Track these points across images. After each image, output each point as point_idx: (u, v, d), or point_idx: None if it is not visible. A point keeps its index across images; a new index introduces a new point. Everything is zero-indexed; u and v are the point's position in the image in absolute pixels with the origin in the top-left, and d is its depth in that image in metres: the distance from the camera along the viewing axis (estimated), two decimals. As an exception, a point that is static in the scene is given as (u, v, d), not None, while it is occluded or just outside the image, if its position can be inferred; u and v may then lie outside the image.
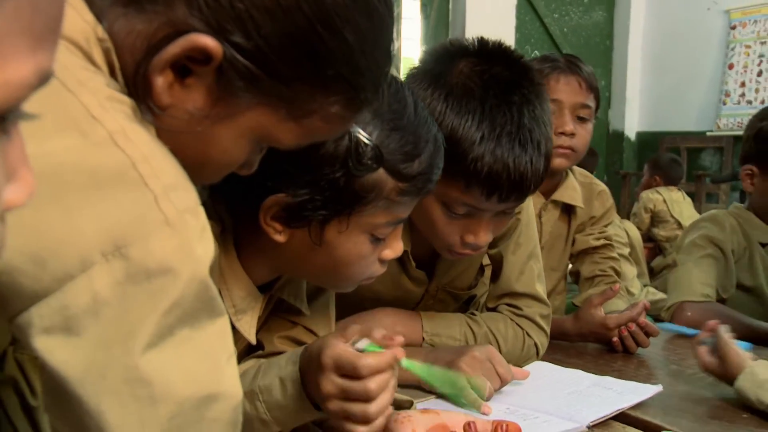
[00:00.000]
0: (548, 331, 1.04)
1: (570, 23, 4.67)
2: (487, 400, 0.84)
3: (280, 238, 0.65)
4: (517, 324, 1.00)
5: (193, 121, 0.46)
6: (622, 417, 0.84)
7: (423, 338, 0.97)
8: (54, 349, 0.38)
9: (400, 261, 0.96)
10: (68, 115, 0.39)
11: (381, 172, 0.64)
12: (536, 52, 4.24)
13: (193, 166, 0.44)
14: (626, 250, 2.15)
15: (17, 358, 0.54)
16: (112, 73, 0.45)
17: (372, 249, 0.68)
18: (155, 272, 0.39)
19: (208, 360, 0.42)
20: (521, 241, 1.02)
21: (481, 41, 0.88)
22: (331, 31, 0.45)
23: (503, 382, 0.87)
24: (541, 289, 1.04)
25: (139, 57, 0.44)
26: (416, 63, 0.91)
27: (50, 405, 0.42)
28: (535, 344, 1.01)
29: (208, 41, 0.43)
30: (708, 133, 4.54)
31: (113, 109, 0.41)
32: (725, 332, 0.91)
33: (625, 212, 3.86)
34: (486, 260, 1.08)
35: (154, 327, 0.39)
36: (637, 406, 0.86)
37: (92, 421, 0.39)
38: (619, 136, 4.93)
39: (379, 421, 0.62)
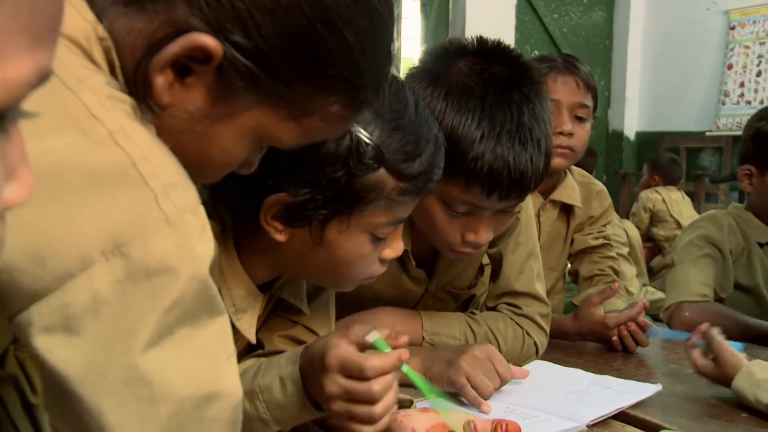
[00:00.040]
0: (548, 330, 1.04)
1: (569, 23, 4.68)
2: (487, 399, 0.84)
3: (280, 237, 0.65)
4: (516, 323, 1.00)
5: (193, 120, 0.46)
6: (621, 416, 0.84)
7: (423, 337, 0.97)
8: (54, 348, 0.38)
9: (400, 260, 0.96)
10: (68, 114, 0.39)
11: (382, 172, 0.64)
12: (536, 51, 4.24)
13: (193, 165, 0.44)
14: (625, 250, 2.15)
15: (18, 356, 0.54)
16: (112, 72, 0.45)
17: (372, 248, 0.68)
18: (155, 271, 0.39)
19: (208, 359, 0.43)
20: (521, 241, 1.02)
21: (480, 40, 0.88)
22: (332, 31, 0.45)
23: (503, 381, 0.87)
24: (540, 288, 1.04)
25: (139, 56, 0.44)
26: (416, 63, 0.91)
27: (50, 404, 0.42)
28: (535, 343, 1.02)
29: (208, 41, 0.43)
30: (707, 133, 4.55)
31: (113, 107, 0.41)
32: (717, 334, 0.91)
33: (624, 212, 3.86)
34: (486, 259, 1.08)
35: (154, 326, 0.39)
36: (637, 405, 0.86)
37: (92, 420, 0.39)
38: (619, 135, 4.93)
39: (384, 421, 0.62)
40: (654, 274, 3.17)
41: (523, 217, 1.02)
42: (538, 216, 1.34)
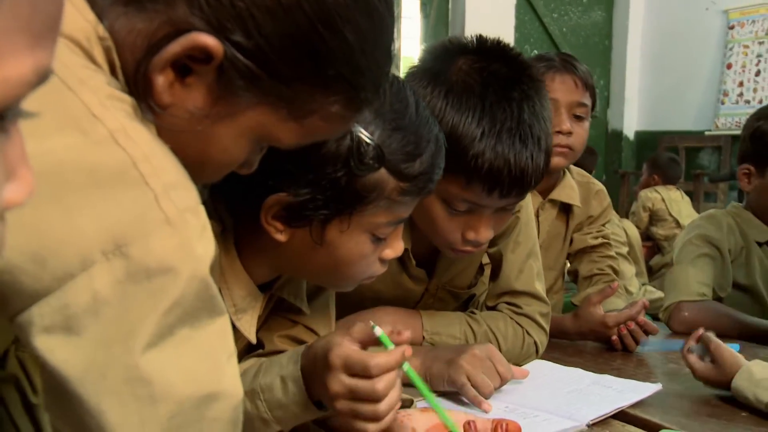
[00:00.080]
0: (548, 329, 1.04)
1: (569, 23, 4.68)
2: (487, 398, 0.84)
3: (281, 237, 0.65)
4: (516, 322, 1.00)
5: (193, 120, 0.46)
6: (621, 415, 0.84)
7: (423, 337, 0.97)
8: (54, 349, 0.38)
9: (401, 260, 0.96)
10: (69, 114, 0.39)
11: (382, 172, 0.64)
12: (535, 51, 4.24)
13: (193, 165, 0.44)
14: (624, 249, 2.15)
15: (19, 356, 0.54)
16: (112, 71, 0.44)
17: (373, 248, 0.68)
18: (156, 271, 0.39)
19: (209, 359, 0.42)
20: (520, 240, 1.02)
21: (480, 39, 0.88)
22: (332, 30, 0.45)
23: (503, 381, 0.87)
24: (540, 288, 1.04)
25: (139, 56, 0.44)
26: (416, 62, 0.91)
27: (50, 404, 0.42)
28: (535, 342, 1.02)
29: (208, 40, 0.43)
30: (706, 133, 4.55)
31: (114, 107, 0.41)
32: (714, 336, 0.91)
33: (623, 211, 3.87)
34: (485, 259, 1.08)
35: (154, 326, 0.39)
36: (637, 405, 0.86)
37: (92, 420, 0.39)
38: (618, 135, 4.93)
39: (388, 418, 0.62)
40: (653, 273, 3.17)
41: (522, 217, 1.02)
42: (537, 215, 1.34)
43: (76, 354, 0.38)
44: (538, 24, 4.53)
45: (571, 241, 1.42)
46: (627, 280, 2.22)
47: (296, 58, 0.46)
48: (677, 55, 4.64)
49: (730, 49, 4.45)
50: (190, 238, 0.41)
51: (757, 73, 4.33)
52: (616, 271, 1.40)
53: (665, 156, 3.88)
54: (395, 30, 0.53)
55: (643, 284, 2.75)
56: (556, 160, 1.28)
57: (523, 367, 0.97)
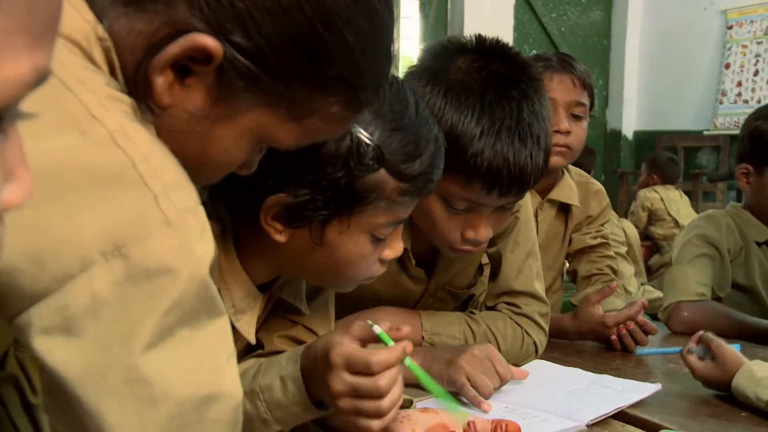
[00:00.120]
0: (547, 329, 1.04)
1: (568, 23, 4.68)
2: (487, 398, 0.84)
3: (280, 238, 0.65)
4: (516, 322, 1.00)
5: (193, 120, 0.46)
6: (621, 415, 0.84)
7: (422, 337, 0.97)
8: (53, 350, 0.38)
9: (400, 260, 0.96)
10: (68, 114, 0.39)
11: (382, 173, 0.64)
12: (534, 51, 4.24)
13: (193, 165, 0.44)
14: (623, 249, 2.15)
15: (18, 356, 0.54)
16: (112, 72, 0.44)
17: (372, 249, 0.68)
18: (155, 272, 0.39)
19: (208, 360, 0.42)
20: (520, 240, 1.02)
21: (479, 38, 0.88)
22: (332, 31, 0.45)
23: (503, 381, 0.87)
24: (539, 288, 1.04)
25: (139, 56, 0.44)
26: (415, 61, 0.91)
27: (50, 405, 0.41)
28: (534, 343, 1.02)
29: (208, 41, 0.43)
30: (705, 132, 4.56)
31: (113, 108, 0.41)
32: (714, 336, 0.91)
33: (622, 211, 3.87)
34: (485, 259, 1.08)
35: (154, 327, 0.39)
36: (636, 405, 0.86)
37: (92, 421, 0.39)
38: (617, 135, 4.94)
39: (391, 415, 0.62)
40: (652, 273, 3.17)
41: (522, 217, 1.02)
42: (535, 215, 1.34)
43: (76, 355, 0.38)
44: (536, 24, 4.53)
45: (570, 241, 1.42)
46: (626, 280, 2.22)
47: (296, 58, 0.46)
48: (676, 54, 4.64)
49: (729, 49, 4.45)
50: (190, 238, 0.40)
51: (756, 73, 4.33)
52: (614, 271, 1.40)
53: (664, 156, 3.89)
54: (395, 31, 0.53)
55: (642, 284, 2.75)
56: (555, 160, 1.28)
57: (522, 367, 0.97)
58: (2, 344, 0.53)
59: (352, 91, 0.50)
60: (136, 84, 0.44)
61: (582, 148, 1.35)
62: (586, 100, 1.32)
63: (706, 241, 1.36)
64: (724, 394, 0.90)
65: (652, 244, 3.40)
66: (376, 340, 0.64)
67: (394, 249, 0.71)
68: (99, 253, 0.38)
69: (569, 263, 1.45)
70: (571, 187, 1.38)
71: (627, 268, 2.35)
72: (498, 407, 0.83)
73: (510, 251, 1.02)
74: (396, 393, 0.62)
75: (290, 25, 0.44)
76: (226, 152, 0.50)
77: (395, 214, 0.67)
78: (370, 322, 0.64)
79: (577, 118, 1.31)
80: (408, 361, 0.64)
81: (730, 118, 4.41)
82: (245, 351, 0.76)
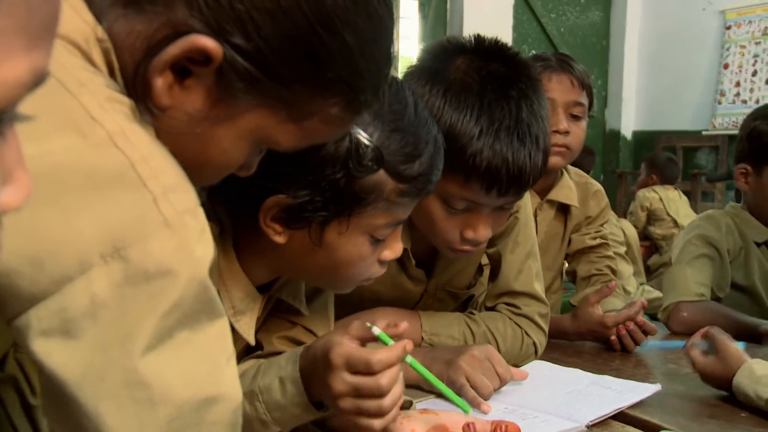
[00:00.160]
0: (547, 330, 1.04)
1: (567, 23, 4.69)
2: (486, 399, 0.84)
3: (279, 239, 0.65)
4: (515, 323, 1.00)
5: (192, 122, 0.46)
6: (621, 416, 0.84)
7: (422, 337, 0.97)
8: (52, 352, 0.38)
9: (400, 260, 0.96)
10: (67, 116, 0.39)
11: (381, 174, 0.64)
12: (533, 51, 4.24)
13: (192, 167, 0.44)
14: (622, 249, 2.15)
15: (17, 357, 0.54)
16: (111, 73, 0.44)
17: (372, 250, 0.68)
18: (154, 274, 0.39)
19: (208, 362, 0.42)
20: (519, 240, 1.02)
21: (478, 38, 0.88)
22: (332, 32, 0.45)
23: (502, 382, 0.87)
24: (539, 288, 1.04)
25: (138, 58, 0.44)
26: (414, 61, 0.91)
27: (48, 407, 0.41)
28: (534, 343, 1.01)
29: (208, 42, 0.43)
30: (703, 132, 4.56)
31: (113, 109, 0.41)
32: (720, 332, 0.91)
33: (621, 211, 3.88)
34: (485, 259, 1.08)
35: (153, 329, 0.39)
36: (636, 406, 0.86)
37: (90, 423, 0.39)
38: (616, 135, 4.94)
39: (393, 414, 0.62)
40: (651, 273, 3.18)
41: (521, 217, 1.02)
42: (535, 216, 1.34)
43: (74, 357, 0.38)
44: (536, 24, 4.54)
45: (570, 241, 1.42)
46: (625, 280, 2.23)
47: (296, 60, 0.46)
48: (674, 55, 4.65)
49: (727, 49, 4.46)
50: (189, 240, 0.40)
51: (754, 73, 4.34)
52: (614, 271, 1.40)
53: (663, 156, 3.89)
54: (394, 32, 0.53)
55: (641, 284, 2.75)
56: (554, 160, 1.28)
57: (522, 367, 0.96)
58: (2, 346, 0.53)
59: (352, 93, 0.50)
60: (135, 85, 0.44)
61: (581, 149, 1.35)
62: (584, 100, 1.32)
63: (706, 242, 1.36)
64: (725, 394, 0.90)
65: (651, 244, 3.40)
66: (376, 339, 0.64)
67: (394, 250, 0.71)
68: (98, 255, 0.38)
69: (568, 264, 1.45)
70: (570, 187, 1.38)
71: (626, 268, 2.35)
72: (497, 408, 0.83)
73: (510, 252, 1.02)
74: (397, 392, 0.62)
75: (290, 27, 0.44)
76: (225, 154, 0.50)
77: (394, 215, 0.67)
78: (368, 324, 0.64)
79: (575, 118, 1.31)
80: (409, 358, 0.64)
81: (729, 119, 4.41)
82: (244, 352, 0.76)
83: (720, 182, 4.22)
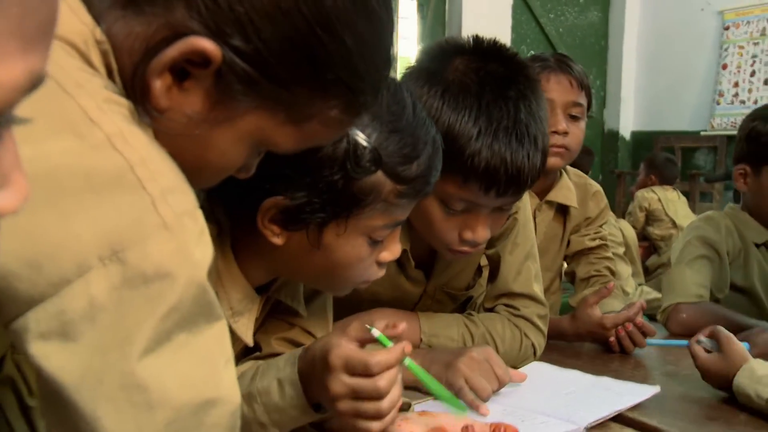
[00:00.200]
0: (545, 331, 1.04)
1: (565, 23, 4.69)
2: (485, 401, 0.84)
3: (277, 240, 0.65)
4: (514, 324, 1.00)
5: (191, 124, 0.46)
6: (619, 418, 0.84)
7: (421, 339, 0.97)
8: (50, 355, 0.38)
9: (399, 261, 0.96)
10: (65, 118, 0.39)
11: (379, 175, 0.64)
12: (532, 51, 4.25)
13: (191, 169, 0.44)
14: (621, 249, 2.15)
15: (15, 359, 0.54)
16: (109, 75, 0.44)
17: (370, 251, 0.68)
18: (152, 277, 0.39)
19: (206, 365, 0.42)
20: (518, 242, 1.02)
21: (476, 39, 0.88)
22: (331, 34, 0.45)
23: (501, 384, 0.87)
24: (538, 290, 1.03)
25: (137, 59, 0.43)
26: (412, 62, 0.91)
27: (46, 410, 0.41)
28: (533, 345, 1.01)
29: (206, 44, 0.43)
30: (702, 133, 4.57)
31: (111, 111, 0.41)
32: (725, 331, 0.91)
33: (620, 211, 3.88)
34: (484, 261, 1.08)
35: (151, 332, 0.39)
36: (635, 407, 0.86)
37: (88, 427, 0.39)
38: (614, 135, 4.95)
39: (391, 416, 0.62)
40: (650, 274, 3.18)
41: (520, 218, 1.02)
42: (534, 217, 1.34)
43: (72, 360, 0.38)
44: (534, 24, 4.54)
45: (569, 242, 1.42)
46: (623, 281, 2.23)
47: (295, 62, 0.45)
48: (673, 55, 4.65)
49: (726, 49, 4.46)
50: (188, 242, 0.40)
51: (752, 74, 4.35)
52: (612, 272, 1.40)
53: (662, 156, 3.89)
54: (394, 33, 0.53)
55: (640, 284, 2.75)
56: (553, 161, 1.27)
57: (520, 369, 0.96)
58: (0, 348, 0.53)
59: (351, 95, 0.49)
60: (133, 87, 0.44)
61: (580, 149, 1.35)
62: (583, 101, 1.32)
63: (705, 243, 1.36)
64: (724, 396, 0.90)
65: (649, 245, 3.41)
66: (374, 341, 0.64)
67: (392, 251, 0.70)
68: (96, 257, 0.37)
69: (568, 265, 1.45)
70: (569, 188, 1.38)
71: (624, 269, 2.35)
72: (496, 410, 0.83)
73: (509, 253, 1.02)
74: (395, 394, 0.62)
75: (289, 29, 0.44)
76: (224, 156, 0.49)
77: (392, 217, 0.67)
78: (368, 326, 0.64)
79: (574, 118, 1.31)
80: (408, 360, 0.64)
81: (727, 119, 4.42)
82: (243, 353, 0.76)
83: (718, 183, 4.22)
